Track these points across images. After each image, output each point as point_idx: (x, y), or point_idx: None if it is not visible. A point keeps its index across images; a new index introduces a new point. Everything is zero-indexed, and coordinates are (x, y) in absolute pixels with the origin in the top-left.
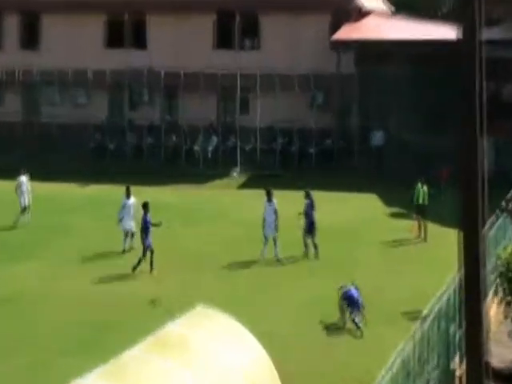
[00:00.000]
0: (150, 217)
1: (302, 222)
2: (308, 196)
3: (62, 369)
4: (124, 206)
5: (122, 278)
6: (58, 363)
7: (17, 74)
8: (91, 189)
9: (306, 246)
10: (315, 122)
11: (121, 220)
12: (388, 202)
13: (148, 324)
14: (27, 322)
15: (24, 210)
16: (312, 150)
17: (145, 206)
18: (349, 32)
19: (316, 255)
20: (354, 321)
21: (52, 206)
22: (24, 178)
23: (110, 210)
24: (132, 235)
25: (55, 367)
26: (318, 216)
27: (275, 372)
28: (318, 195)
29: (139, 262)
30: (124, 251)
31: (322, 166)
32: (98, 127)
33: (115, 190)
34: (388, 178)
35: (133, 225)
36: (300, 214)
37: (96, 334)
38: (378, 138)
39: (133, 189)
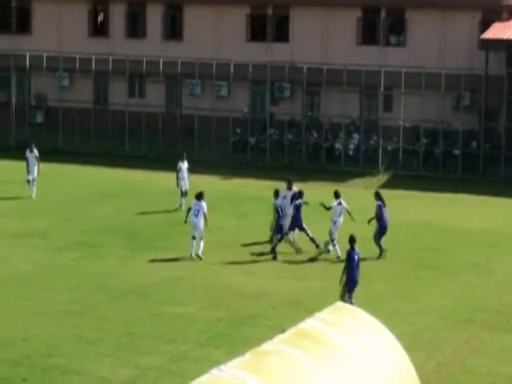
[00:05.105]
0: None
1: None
2: (378, 196)
3: (199, 360)
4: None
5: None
6: (195, 355)
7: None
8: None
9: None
10: (461, 123)
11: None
12: None
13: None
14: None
15: (184, 194)
16: (457, 152)
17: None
18: (499, 31)
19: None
20: None
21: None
22: (184, 165)
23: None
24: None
25: (192, 359)
26: (463, 220)
27: (415, 374)
28: (462, 198)
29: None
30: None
31: (467, 168)
32: (239, 121)
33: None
34: None
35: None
36: (371, 218)
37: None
38: None
39: (270, 184)
